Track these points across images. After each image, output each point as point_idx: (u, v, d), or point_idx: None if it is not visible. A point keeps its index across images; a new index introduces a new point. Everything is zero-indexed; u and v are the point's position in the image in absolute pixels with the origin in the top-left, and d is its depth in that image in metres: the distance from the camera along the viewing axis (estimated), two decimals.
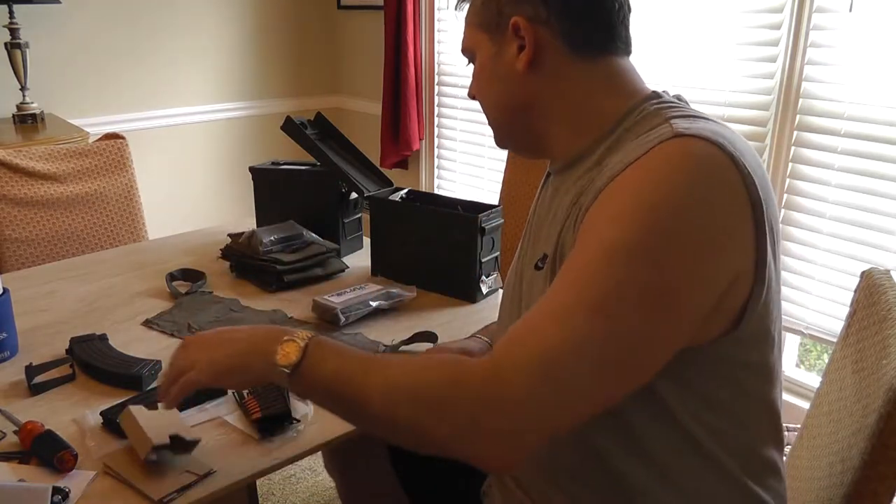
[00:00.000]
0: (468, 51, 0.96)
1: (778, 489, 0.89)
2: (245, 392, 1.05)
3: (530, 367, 0.70)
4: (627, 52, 0.90)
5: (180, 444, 0.92)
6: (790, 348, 2.30)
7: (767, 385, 0.84)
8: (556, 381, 0.70)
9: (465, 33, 0.95)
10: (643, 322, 0.71)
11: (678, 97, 0.89)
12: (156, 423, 0.93)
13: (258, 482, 2.02)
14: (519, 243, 1.07)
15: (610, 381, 0.73)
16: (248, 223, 1.83)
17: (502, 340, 0.75)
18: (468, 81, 0.98)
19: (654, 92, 0.88)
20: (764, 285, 0.77)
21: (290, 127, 1.70)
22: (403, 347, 1.24)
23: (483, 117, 0.98)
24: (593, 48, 0.88)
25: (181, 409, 1.02)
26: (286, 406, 1.02)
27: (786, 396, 2.03)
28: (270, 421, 1.01)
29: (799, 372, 2.39)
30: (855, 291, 1.08)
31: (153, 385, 1.11)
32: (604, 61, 0.88)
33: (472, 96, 0.98)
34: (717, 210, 0.73)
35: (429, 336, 1.26)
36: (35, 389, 1.10)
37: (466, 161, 3.22)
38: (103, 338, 1.23)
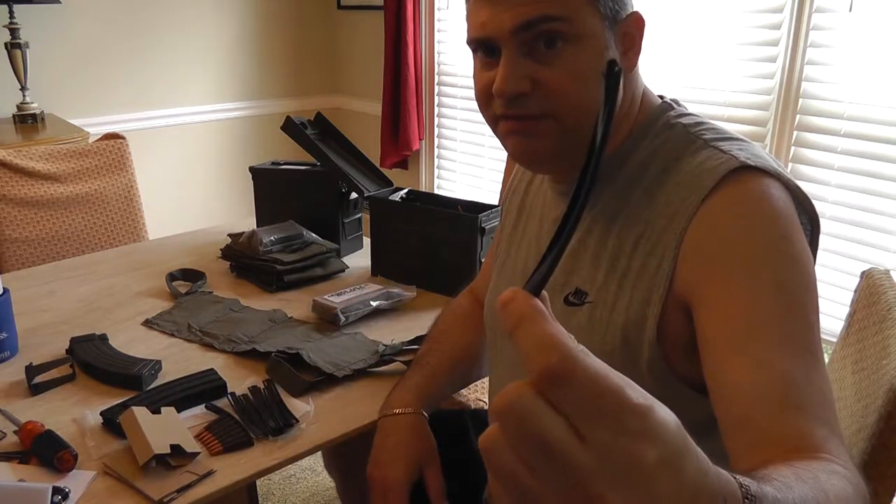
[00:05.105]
0: (566, 24, 0.75)
1: None
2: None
3: (835, 428, 0.66)
4: None
5: (180, 454, 0.92)
6: None
7: None
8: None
9: (569, 5, 0.76)
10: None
11: (675, 101, 0.89)
12: (158, 428, 0.92)
13: (258, 482, 2.02)
14: (500, 241, 1.03)
15: None
16: (248, 223, 1.83)
17: (814, 441, 0.64)
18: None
19: (662, 98, 0.87)
20: None
21: (290, 127, 1.70)
22: (405, 347, 1.24)
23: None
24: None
25: (180, 410, 1.02)
26: (246, 435, 0.99)
27: None
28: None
29: None
30: (855, 291, 1.08)
31: (154, 384, 1.11)
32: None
33: (531, 91, 0.78)
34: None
35: None
36: (35, 389, 1.10)
37: (466, 161, 3.22)
38: (103, 338, 1.23)
